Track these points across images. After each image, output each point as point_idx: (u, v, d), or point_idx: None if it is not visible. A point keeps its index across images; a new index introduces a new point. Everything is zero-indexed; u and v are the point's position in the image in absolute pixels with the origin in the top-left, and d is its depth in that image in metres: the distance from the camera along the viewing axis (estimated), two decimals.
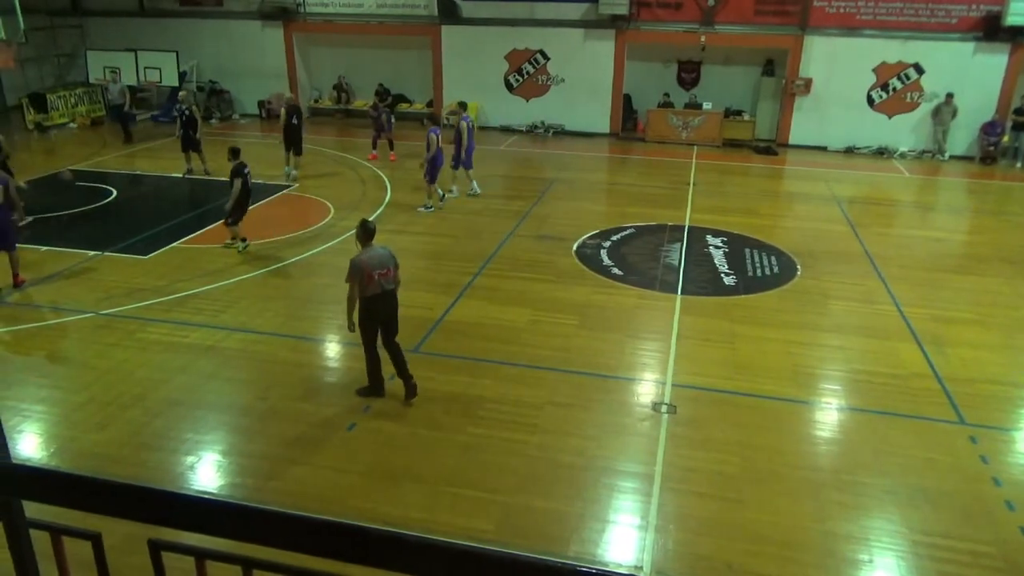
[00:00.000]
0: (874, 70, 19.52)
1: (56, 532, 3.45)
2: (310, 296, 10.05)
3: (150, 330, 8.92)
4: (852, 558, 5.60)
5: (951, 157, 19.39)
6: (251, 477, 6.39)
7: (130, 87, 20.70)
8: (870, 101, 19.82)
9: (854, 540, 5.76)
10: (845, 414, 7.63)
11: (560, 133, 21.60)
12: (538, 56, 21.48)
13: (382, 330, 7.36)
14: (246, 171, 11.21)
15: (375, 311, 7.20)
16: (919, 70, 19.29)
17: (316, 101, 23.61)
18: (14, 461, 1.46)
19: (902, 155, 19.69)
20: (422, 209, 13.82)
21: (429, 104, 22.45)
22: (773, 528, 5.84)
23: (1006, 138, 18.93)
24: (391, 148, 17.61)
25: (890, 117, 19.80)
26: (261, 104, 23.16)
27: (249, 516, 1.26)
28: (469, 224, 13.24)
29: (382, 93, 21.10)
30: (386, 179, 16.04)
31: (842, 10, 19.16)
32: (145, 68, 22.20)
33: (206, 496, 1.15)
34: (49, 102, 21.19)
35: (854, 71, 19.56)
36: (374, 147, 17.88)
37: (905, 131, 19.77)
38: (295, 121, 15.77)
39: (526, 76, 21.76)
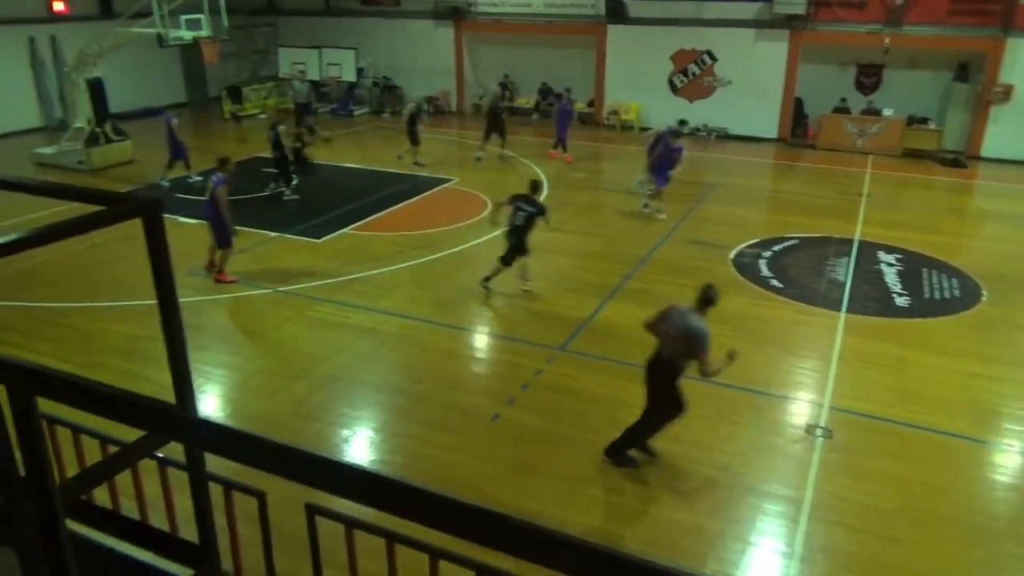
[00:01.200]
0: None
1: (228, 487, 3.84)
2: (464, 287, 10.39)
3: (318, 309, 9.59)
4: None
5: None
6: (400, 455, 6.72)
7: (312, 82, 22.25)
8: None
9: None
10: None
11: (724, 137, 20.90)
12: (705, 57, 20.89)
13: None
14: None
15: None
16: None
17: (481, 98, 24.29)
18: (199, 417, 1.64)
19: None
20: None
21: (590, 104, 22.46)
22: (930, 570, 5.38)
23: None
24: (564, 149, 17.62)
25: None
26: (429, 100, 24.18)
27: (399, 490, 1.34)
28: (625, 226, 13.14)
29: (544, 92, 21.33)
30: (543, 176, 16.26)
31: None
32: (327, 64, 23.80)
33: (361, 467, 1.24)
34: (243, 94, 23.25)
35: None
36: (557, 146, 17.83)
37: None
38: (498, 112, 17.50)
39: (691, 77, 21.23)
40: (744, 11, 19.96)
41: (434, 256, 11.49)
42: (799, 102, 20.50)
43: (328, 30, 24.74)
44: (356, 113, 23.75)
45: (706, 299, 6.27)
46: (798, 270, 11.10)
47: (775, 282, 10.64)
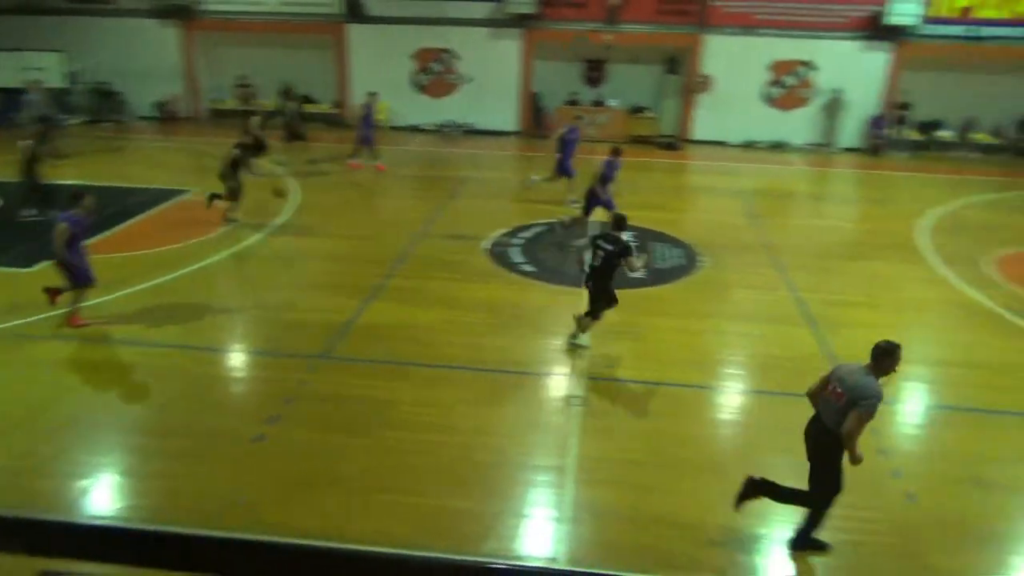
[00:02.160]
0: (769, 67, 20.39)
1: None
2: (210, 306, 9.70)
3: (36, 347, 8.42)
4: (754, 532, 5.84)
5: (842, 149, 20.45)
6: (149, 497, 6.12)
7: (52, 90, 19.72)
8: (766, 97, 20.69)
9: (756, 515, 5.99)
10: (747, 397, 7.96)
11: (471, 132, 21.61)
12: (446, 54, 21.44)
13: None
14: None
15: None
16: (812, 67, 20.26)
17: (217, 101, 22.81)
18: None
19: (797, 149, 20.64)
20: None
21: (336, 104, 22.05)
22: (681, 512, 6.02)
23: (890, 131, 20.12)
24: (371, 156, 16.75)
25: (785, 112, 20.72)
26: (158, 106, 22.23)
27: (146, 539, 1.19)
28: (379, 226, 13.09)
29: (286, 92, 20.54)
30: (297, 183, 15.67)
31: (738, 10, 19.92)
32: (24, 69, 20.90)
33: (99, 522, 1.08)
34: None
35: (751, 68, 20.40)
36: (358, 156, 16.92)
37: (799, 125, 20.74)
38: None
39: (434, 75, 21.68)
40: (480, 10, 20.75)
41: (174, 275, 10.59)
42: (537, 97, 21.78)
43: (27, 30, 21.71)
44: (68, 123, 21.14)
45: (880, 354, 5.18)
46: (548, 254, 11.82)
47: (527, 267, 11.23)
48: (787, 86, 20.51)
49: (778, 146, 20.64)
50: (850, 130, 20.50)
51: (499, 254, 11.74)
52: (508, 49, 20.90)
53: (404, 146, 19.91)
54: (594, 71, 21.88)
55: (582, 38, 20.29)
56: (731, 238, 12.99)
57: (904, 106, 19.91)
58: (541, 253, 11.83)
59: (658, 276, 11.03)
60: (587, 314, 8.51)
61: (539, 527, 5.92)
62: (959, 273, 11.40)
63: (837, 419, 5.07)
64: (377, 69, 21.41)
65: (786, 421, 7.37)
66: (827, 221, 14.80)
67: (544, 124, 21.64)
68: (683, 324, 9.49)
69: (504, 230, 12.82)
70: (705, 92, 20.54)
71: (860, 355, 8.54)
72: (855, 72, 19.94)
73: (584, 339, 8.65)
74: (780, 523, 5.93)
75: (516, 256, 11.68)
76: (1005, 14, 19.07)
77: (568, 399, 7.66)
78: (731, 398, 8.00)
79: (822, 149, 20.56)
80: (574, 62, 21.73)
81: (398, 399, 7.48)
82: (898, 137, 20.15)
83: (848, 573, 5.46)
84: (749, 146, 20.90)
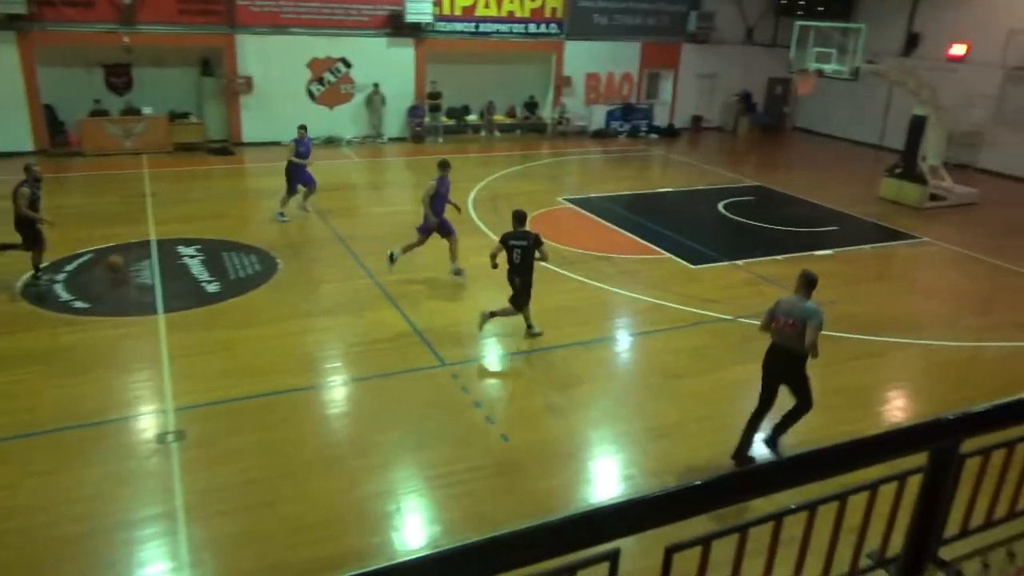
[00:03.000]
0: (308, 65, 20.70)
1: None
2: None
3: None
4: (383, 511, 6.04)
5: (389, 139, 21.86)
6: None
7: None
8: (311, 95, 21.01)
9: (382, 495, 6.21)
10: (351, 386, 8.12)
11: None
12: None
13: (767, 394, 6.60)
14: None
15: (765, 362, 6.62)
16: (347, 64, 21.12)
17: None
18: None
19: (348, 142, 21.46)
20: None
21: None
22: (311, 514, 5.91)
23: (427, 119, 22.13)
24: None
25: (331, 108, 21.31)
26: None
27: None
28: None
29: None
30: None
31: (266, 9, 19.73)
32: None
33: None
34: None
35: (291, 67, 20.44)
36: None
37: (347, 120, 21.54)
38: None
39: None
40: None
41: None
42: (50, 109, 18.78)
43: None
44: None
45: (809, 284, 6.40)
46: (102, 285, 10.38)
47: (80, 303, 9.74)
48: (328, 83, 21.10)
49: (331, 141, 21.18)
50: (393, 121, 21.99)
51: (38, 295, 9.94)
52: (4, 56, 17.56)
53: None
54: (117, 76, 19.64)
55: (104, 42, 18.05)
56: (304, 236, 13.00)
57: (436, 95, 22.04)
58: (93, 285, 10.35)
59: (238, 287, 10.52)
60: (514, 305, 8.90)
61: None
62: None
63: (798, 341, 6.24)
64: None
65: (391, 399, 7.74)
66: (389, 207, 15.75)
67: (68, 140, 18.84)
68: (275, 329, 9.23)
69: (41, 266, 10.86)
70: (247, 93, 20.02)
71: (446, 324, 9.40)
72: (387, 67, 21.38)
73: (536, 327, 9.17)
74: (403, 494, 6.22)
75: (62, 293, 10.03)
76: (502, 13, 22.29)
77: (161, 437, 6.89)
78: (338, 391, 8.08)
79: (372, 140, 21.71)
80: (93, 68, 19.24)
81: None
82: (435, 123, 22.28)
83: (472, 522, 5.94)
84: None
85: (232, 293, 10.28)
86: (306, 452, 6.76)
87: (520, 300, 8.94)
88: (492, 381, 8.55)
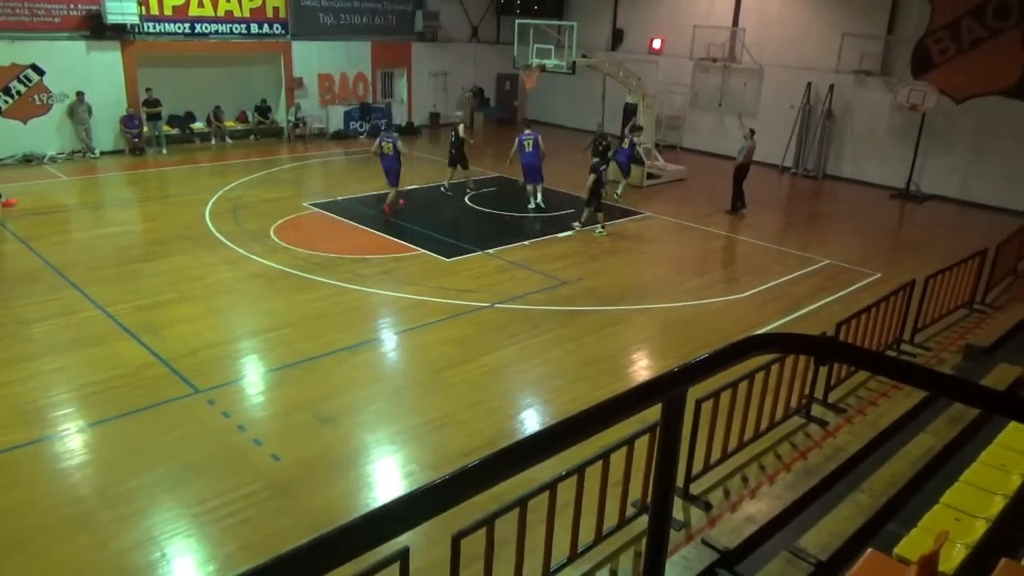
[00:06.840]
0: None
1: None
2: None
3: None
4: (146, 562, 5.45)
5: (102, 153, 19.59)
6: None
7: None
8: None
9: (142, 544, 5.60)
10: (88, 433, 7.19)
11: None
12: None
13: None
14: None
15: None
16: (38, 71, 18.52)
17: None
18: None
19: (52, 159, 18.88)
20: None
21: None
22: None
23: (146, 129, 20.15)
24: None
25: (25, 122, 18.60)
26: None
27: None
28: None
29: None
30: None
31: None
32: None
33: None
34: None
35: None
36: None
37: (47, 134, 18.93)
38: None
39: None
40: None
41: None
42: None
43: None
44: None
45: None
46: None
47: None
48: (17, 93, 18.36)
49: (30, 160, 18.50)
50: (106, 133, 19.73)
51: None
52: None
53: None
54: None
55: None
56: (8, 269, 11.25)
57: (154, 103, 20.08)
58: None
59: None
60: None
61: None
62: (251, 249, 12.40)
63: None
64: None
65: (140, 439, 7.00)
66: (113, 228, 14.14)
67: None
68: None
69: None
70: None
71: (195, 348, 8.67)
72: (90, 73, 19.07)
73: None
74: (166, 538, 5.67)
75: None
76: (219, 13, 20.87)
77: None
78: (72, 440, 7.09)
79: (83, 156, 19.31)
80: None
81: None
82: (157, 133, 20.34)
83: (251, 552, 5.54)
84: None
85: None
86: (38, 515, 5.88)
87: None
88: (255, 401, 8.06)
